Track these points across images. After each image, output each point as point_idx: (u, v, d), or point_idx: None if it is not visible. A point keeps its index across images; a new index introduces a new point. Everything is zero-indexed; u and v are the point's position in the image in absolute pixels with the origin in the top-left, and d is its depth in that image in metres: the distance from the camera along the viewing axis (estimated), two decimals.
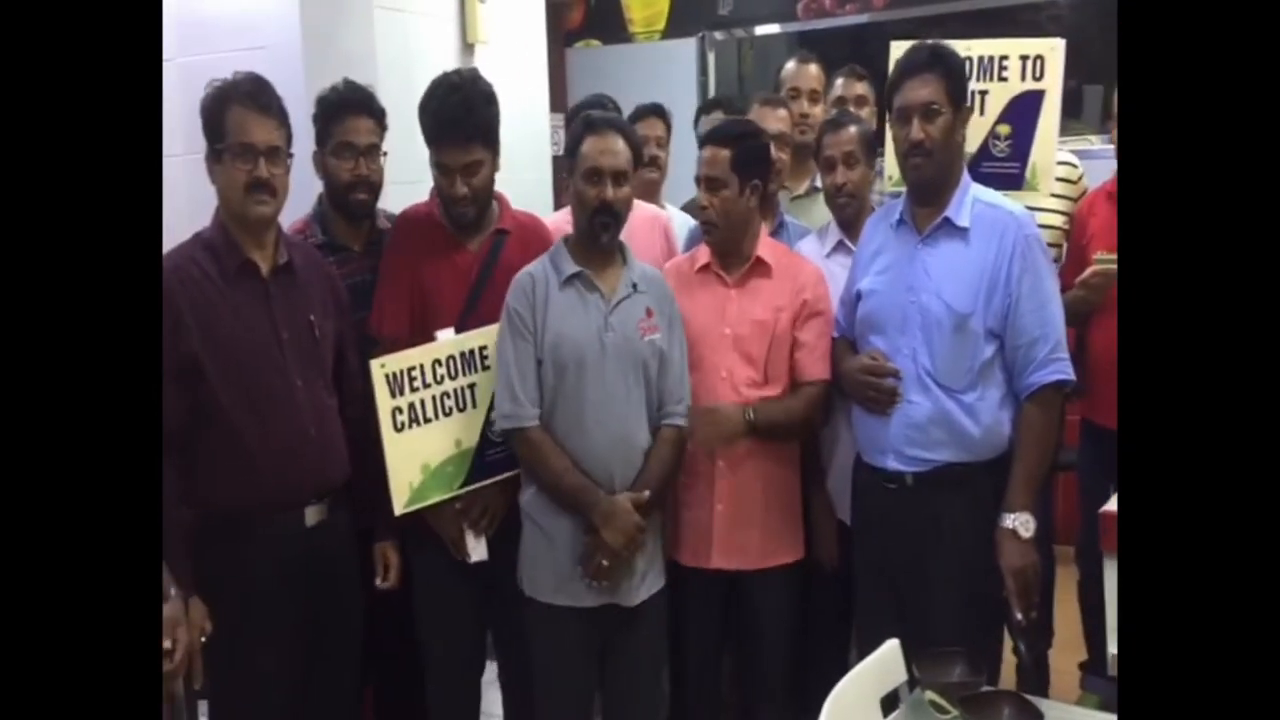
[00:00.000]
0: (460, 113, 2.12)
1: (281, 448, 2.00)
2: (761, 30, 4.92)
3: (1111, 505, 1.68)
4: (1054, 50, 2.28)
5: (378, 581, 2.20)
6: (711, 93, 4.68)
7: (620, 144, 2.07)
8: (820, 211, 2.57)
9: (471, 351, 2.14)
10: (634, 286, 2.10)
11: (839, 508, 2.33)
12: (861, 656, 1.83)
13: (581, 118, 2.17)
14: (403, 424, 2.08)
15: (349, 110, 2.29)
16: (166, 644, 1.70)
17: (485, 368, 2.14)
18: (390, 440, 2.07)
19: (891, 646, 1.80)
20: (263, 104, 2.02)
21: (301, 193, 2.23)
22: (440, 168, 2.17)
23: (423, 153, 2.22)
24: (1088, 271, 2.33)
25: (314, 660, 2.10)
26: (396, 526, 2.18)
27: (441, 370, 2.11)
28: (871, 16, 4.55)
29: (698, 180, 2.21)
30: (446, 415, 2.12)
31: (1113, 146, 2.52)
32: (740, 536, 2.21)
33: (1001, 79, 2.30)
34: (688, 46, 4.83)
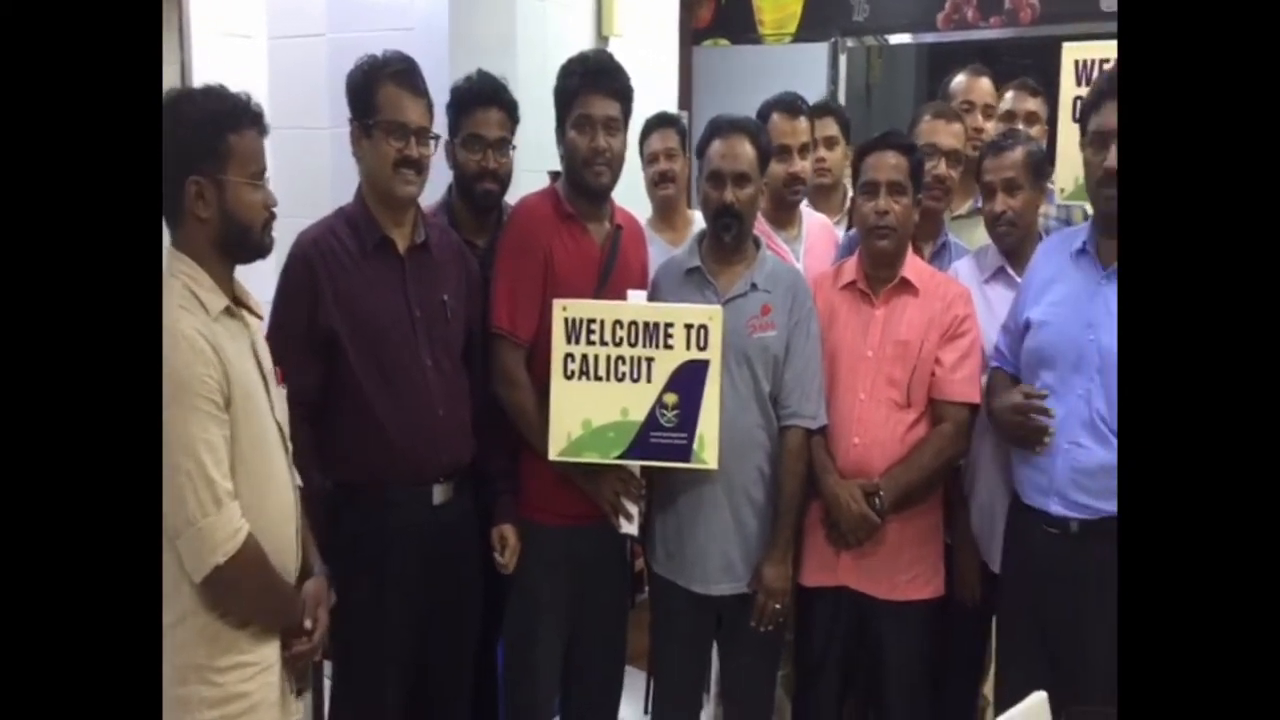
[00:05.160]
0: (611, 67, 2.15)
1: (410, 425, 2.01)
2: (895, 39, 4.78)
3: None
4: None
5: (495, 557, 2.15)
6: (841, 100, 4.55)
7: (745, 147, 2.09)
8: (982, 234, 2.43)
9: (656, 325, 2.05)
10: (753, 285, 2.11)
11: (980, 549, 2.21)
12: (1002, 707, 1.72)
13: (711, 120, 2.17)
14: (573, 372, 2.05)
15: (480, 102, 2.25)
16: (308, 623, 1.70)
17: (668, 346, 2.05)
18: (558, 385, 2.05)
19: (1039, 699, 1.68)
20: (414, 84, 2.04)
21: (431, 183, 2.17)
22: (581, 123, 2.10)
23: (553, 144, 2.18)
24: None
25: (433, 635, 2.10)
26: (517, 511, 2.17)
27: (622, 333, 2.04)
28: (1018, 32, 4.36)
29: (868, 185, 2.13)
30: (619, 380, 2.05)
31: None
32: (873, 558, 2.13)
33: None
34: (818, 51, 4.71)
